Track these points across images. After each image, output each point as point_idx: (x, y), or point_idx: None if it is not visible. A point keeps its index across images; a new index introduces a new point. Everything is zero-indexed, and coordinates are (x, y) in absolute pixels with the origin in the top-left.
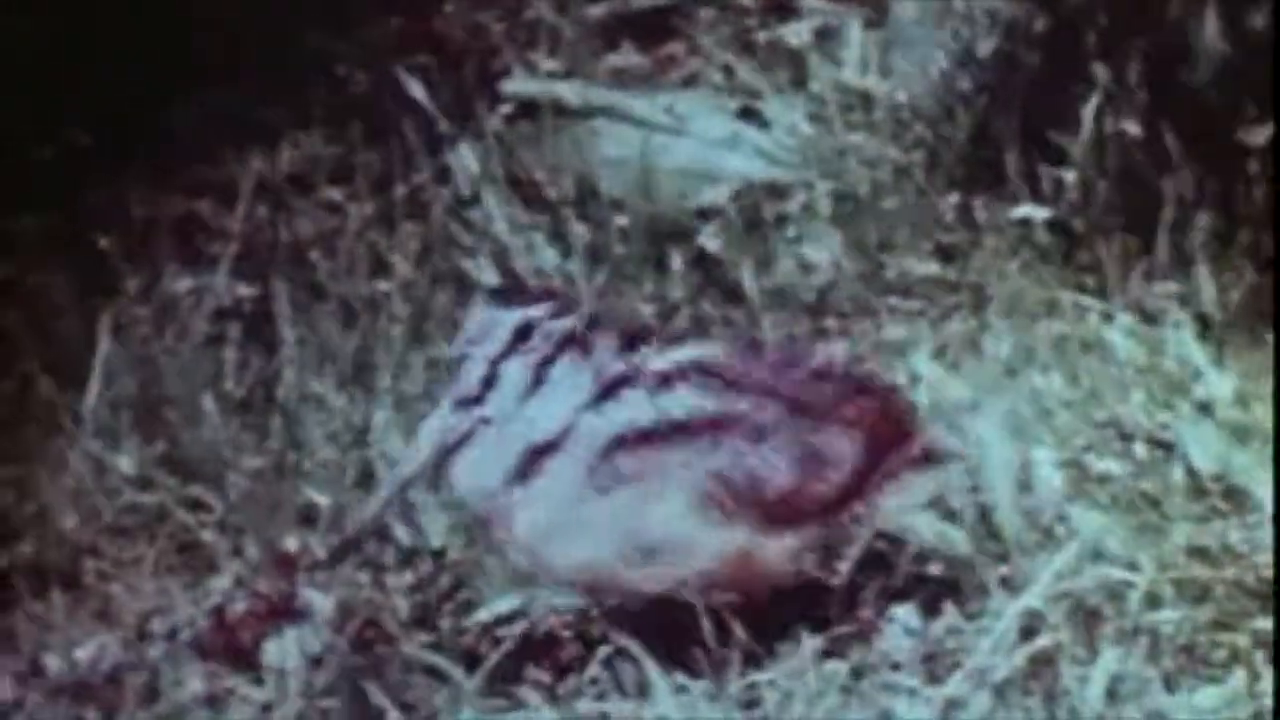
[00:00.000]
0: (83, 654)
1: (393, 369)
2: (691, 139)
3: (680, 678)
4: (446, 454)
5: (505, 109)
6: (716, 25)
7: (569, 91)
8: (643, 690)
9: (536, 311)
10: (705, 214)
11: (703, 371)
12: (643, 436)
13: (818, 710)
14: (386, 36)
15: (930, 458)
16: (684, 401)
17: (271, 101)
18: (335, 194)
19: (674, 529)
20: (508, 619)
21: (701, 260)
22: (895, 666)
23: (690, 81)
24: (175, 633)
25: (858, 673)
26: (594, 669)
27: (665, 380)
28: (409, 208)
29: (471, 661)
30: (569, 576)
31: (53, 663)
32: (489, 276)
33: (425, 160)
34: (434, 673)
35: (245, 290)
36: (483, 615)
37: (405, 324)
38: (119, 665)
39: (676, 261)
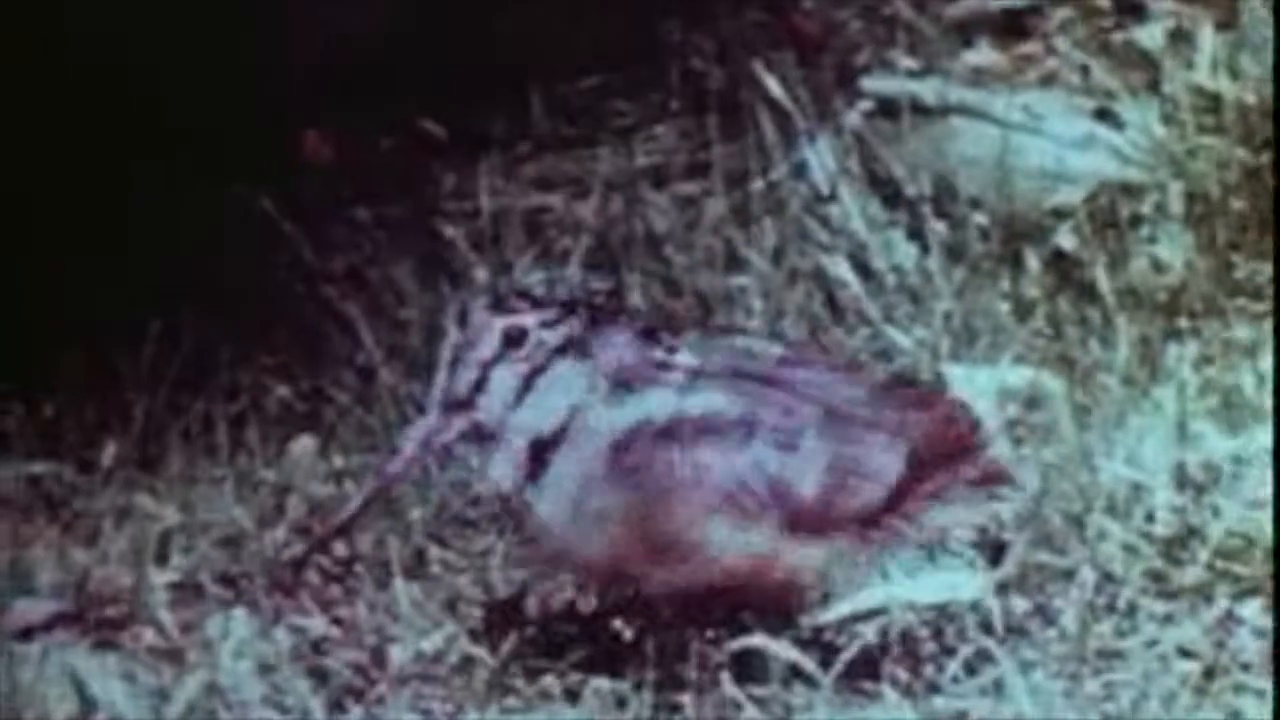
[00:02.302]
0: (429, 645)
1: None
2: (1048, 139)
3: (1036, 676)
4: (433, 456)
5: (864, 106)
6: (1072, 26)
7: (927, 90)
8: (999, 688)
9: (528, 319)
10: (1061, 213)
11: (736, 371)
12: (664, 431)
13: (1172, 710)
14: (744, 31)
15: (987, 479)
16: (712, 399)
17: (627, 94)
18: (690, 188)
19: (694, 528)
20: (866, 615)
21: (1058, 259)
22: (1245, 667)
23: (1047, 81)
24: (525, 626)
25: (1209, 673)
26: (953, 668)
27: (694, 376)
28: (765, 203)
29: (827, 657)
30: (587, 565)
31: (397, 653)
32: (847, 273)
33: (782, 156)
34: (789, 667)
35: (597, 284)
36: (841, 611)
37: (761, 319)
38: (468, 657)
39: (1032, 260)
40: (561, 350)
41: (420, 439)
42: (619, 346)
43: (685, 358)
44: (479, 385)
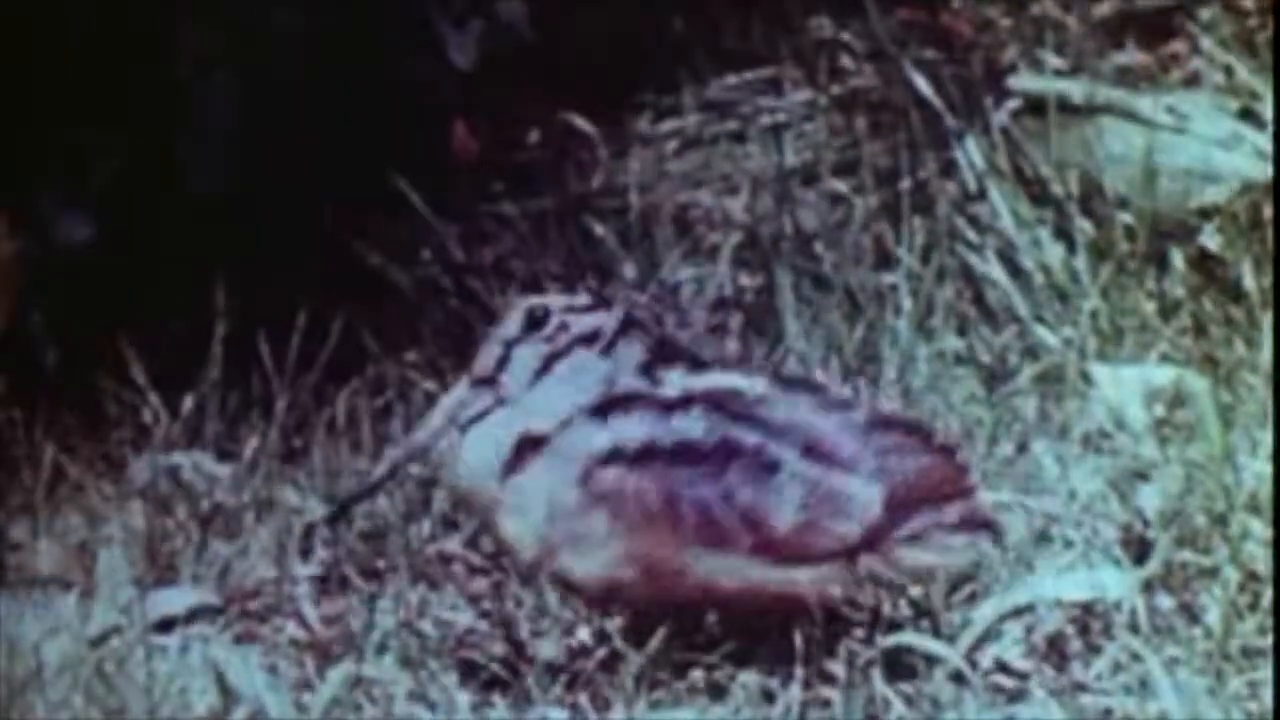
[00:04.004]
0: (576, 639)
1: (898, 362)
2: (1193, 138)
3: (1181, 675)
4: (461, 428)
5: (1012, 104)
6: (1218, 25)
7: (1075, 89)
8: (1145, 686)
9: (555, 301)
10: (1206, 213)
11: (721, 400)
12: (637, 457)
13: None
14: (893, 29)
15: (970, 524)
16: (694, 424)
17: (777, 92)
18: (840, 185)
19: (676, 555)
20: (1013, 613)
21: (1203, 259)
22: None
23: (1192, 81)
24: (672, 620)
25: None
26: (1099, 666)
27: (680, 402)
28: (914, 201)
29: (975, 655)
30: (580, 587)
31: (545, 647)
32: (995, 271)
33: (931, 154)
34: (936, 663)
35: (747, 280)
36: (988, 609)
37: (911, 317)
38: (615, 651)
39: (1178, 260)
40: (585, 340)
41: (447, 412)
42: (628, 361)
43: (666, 388)
44: (502, 363)
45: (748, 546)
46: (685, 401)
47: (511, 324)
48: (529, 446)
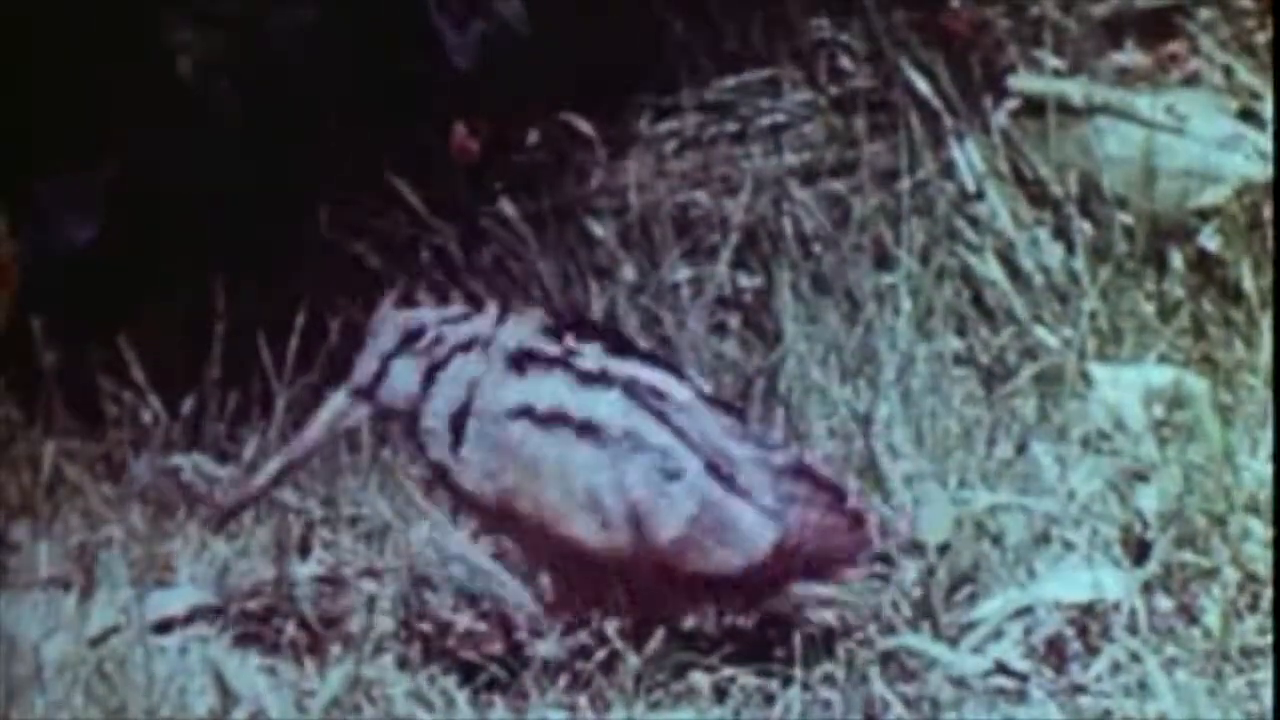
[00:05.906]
0: (575, 640)
1: (897, 363)
2: (1192, 139)
3: (1180, 675)
4: (339, 437)
5: (1010, 105)
6: (1217, 25)
7: (1073, 89)
8: (1144, 687)
9: (430, 315)
10: (1205, 214)
11: (641, 391)
12: (552, 416)
13: None
14: (892, 29)
15: (859, 562)
16: (599, 407)
17: (775, 93)
18: (839, 186)
19: (562, 522)
20: (1012, 615)
21: (1202, 259)
22: None
23: (1191, 81)
24: (671, 621)
25: None
26: (1098, 667)
27: (597, 378)
28: (914, 202)
29: (974, 656)
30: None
31: (543, 648)
32: (994, 272)
33: (930, 154)
34: (935, 666)
35: (746, 281)
36: (988, 610)
37: (910, 318)
38: (614, 652)
39: (1176, 260)
40: (464, 347)
41: (327, 421)
42: (523, 332)
43: (586, 360)
44: (379, 376)
45: (626, 542)
46: (603, 380)
47: (386, 338)
48: (457, 420)
